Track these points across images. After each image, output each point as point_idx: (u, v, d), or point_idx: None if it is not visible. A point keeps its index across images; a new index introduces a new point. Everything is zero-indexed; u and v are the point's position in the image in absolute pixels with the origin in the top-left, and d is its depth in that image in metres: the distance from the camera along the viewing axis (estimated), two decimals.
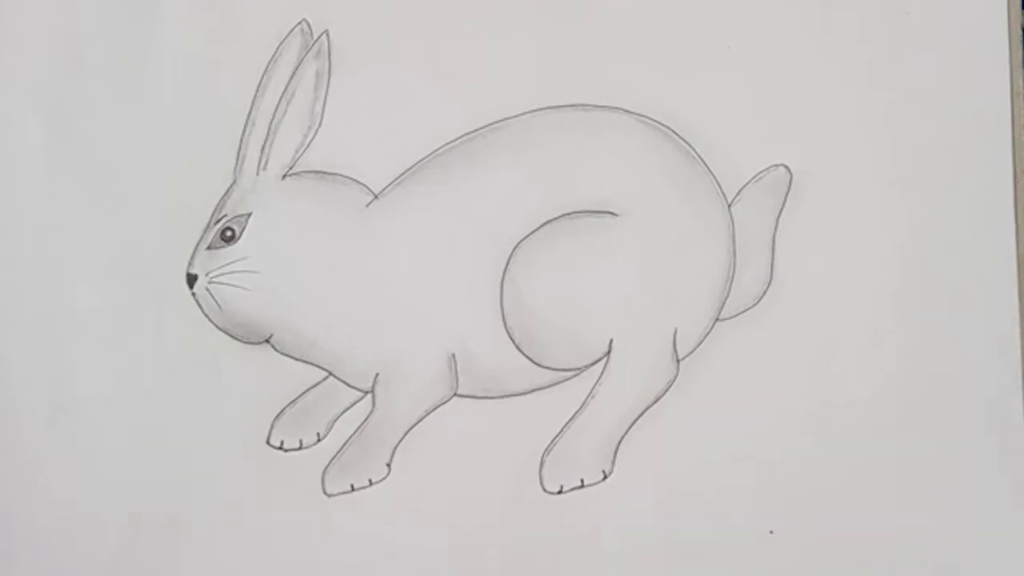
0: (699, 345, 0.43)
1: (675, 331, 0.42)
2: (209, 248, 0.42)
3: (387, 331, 0.42)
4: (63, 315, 0.43)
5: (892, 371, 0.42)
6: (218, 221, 0.42)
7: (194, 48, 0.43)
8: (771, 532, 0.42)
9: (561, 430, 0.42)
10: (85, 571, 0.42)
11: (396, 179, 0.43)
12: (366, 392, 0.43)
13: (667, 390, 0.42)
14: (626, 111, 0.43)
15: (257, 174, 0.42)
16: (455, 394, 0.42)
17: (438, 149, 0.43)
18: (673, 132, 0.43)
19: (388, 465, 0.42)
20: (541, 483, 0.42)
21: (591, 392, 0.42)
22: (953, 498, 0.42)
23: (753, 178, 0.43)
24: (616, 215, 0.42)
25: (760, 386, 0.42)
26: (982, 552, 0.42)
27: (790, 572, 0.42)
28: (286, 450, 0.42)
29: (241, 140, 0.43)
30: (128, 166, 0.43)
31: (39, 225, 0.43)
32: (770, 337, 0.43)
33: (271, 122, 0.42)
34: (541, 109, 0.43)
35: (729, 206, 0.43)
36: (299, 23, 0.43)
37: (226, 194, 0.43)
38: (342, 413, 0.43)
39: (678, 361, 0.43)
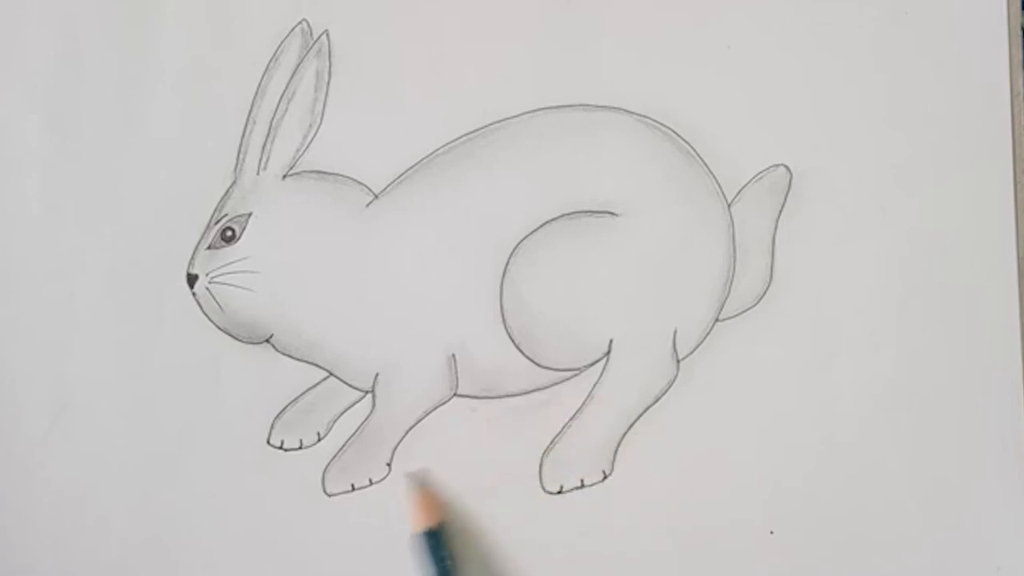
0: (699, 345, 0.43)
1: (675, 331, 0.42)
2: (209, 248, 0.42)
3: (387, 331, 0.42)
4: (63, 315, 0.43)
5: (892, 371, 0.42)
6: (218, 221, 0.42)
7: (194, 48, 0.43)
8: (771, 532, 0.42)
9: (561, 430, 0.42)
10: (85, 571, 0.42)
11: (396, 179, 0.43)
12: (366, 392, 0.43)
13: (667, 390, 0.42)
14: (626, 111, 0.43)
15: (257, 174, 0.42)
16: (455, 394, 0.42)
17: (438, 149, 0.43)
18: (673, 132, 0.43)
19: (388, 465, 0.42)
20: (541, 483, 0.42)
21: (591, 392, 0.42)
22: (953, 498, 0.42)
23: (753, 178, 0.43)
24: (616, 215, 0.42)
25: (760, 386, 0.42)
26: (983, 552, 0.42)
27: (790, 572, 0.42)
28: (286, 450, 0.42)
29: (241, 140, 0.43)
30: (128, 166, 0.43)
31: (39, 225, 0.43)
32: (770, 337, 0.43)
33: (271, 122, 0.42)
34: (541, 109, 0.43)
35: (729, 206, 0.43)
36: (299, 23, 0.43)
37: (226, 194, 0.43)
38: (342, 413, 0.43)
39: (678, 361, 0.43)
